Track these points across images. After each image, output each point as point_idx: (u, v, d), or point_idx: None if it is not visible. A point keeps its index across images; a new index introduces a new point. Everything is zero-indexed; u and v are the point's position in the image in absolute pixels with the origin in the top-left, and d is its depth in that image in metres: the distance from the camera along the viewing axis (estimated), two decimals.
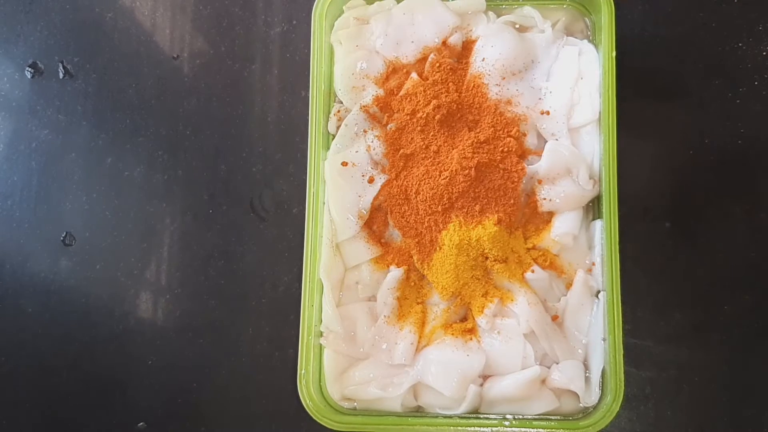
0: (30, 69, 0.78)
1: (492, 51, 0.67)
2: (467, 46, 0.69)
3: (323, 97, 0.67)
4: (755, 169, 0.71)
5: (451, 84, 0.66)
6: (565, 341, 0.64)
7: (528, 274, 0.64)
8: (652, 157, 0.72)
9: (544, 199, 0.65)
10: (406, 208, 0.66)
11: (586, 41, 0.68)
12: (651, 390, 0.69)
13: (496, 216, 0.64)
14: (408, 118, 0.66)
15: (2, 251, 0.76)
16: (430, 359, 0.63)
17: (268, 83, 0.76)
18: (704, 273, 0.70)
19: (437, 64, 0.67)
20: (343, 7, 0.69)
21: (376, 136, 0.67)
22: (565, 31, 0.69)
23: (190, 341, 0.73)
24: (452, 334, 0.64)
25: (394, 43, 0.68)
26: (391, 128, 0.67)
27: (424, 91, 0.66)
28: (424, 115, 0.65)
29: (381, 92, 0.67)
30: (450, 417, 0.63)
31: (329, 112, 0.68)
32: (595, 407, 0.62)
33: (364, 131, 0.67)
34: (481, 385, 0.64)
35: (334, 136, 0.68)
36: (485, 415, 0.63)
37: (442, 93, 0.66)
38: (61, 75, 0.78)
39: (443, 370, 0.63)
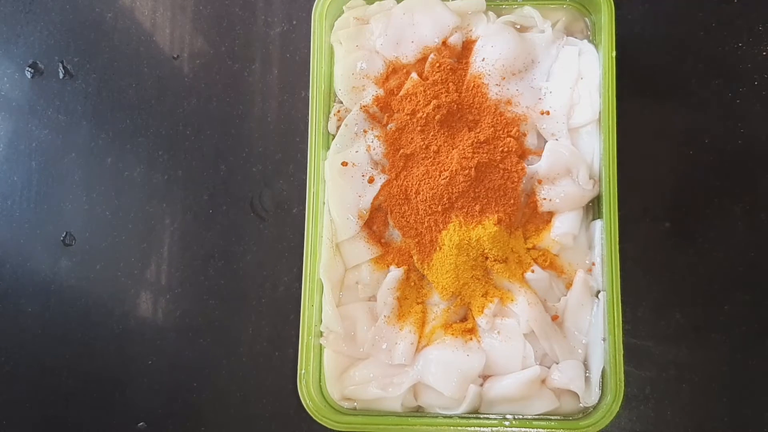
0: (30, 69, 0.78)
1: (492, 51, 0.67)
2: (467, 46, 0.69)
3: (323, 97, 0.67)
4: (755, 169, 0.71)
5: (451, 84, 0.66)
6: (565, 341, 0.64)
7: (528, 274, 0.64)
8: (652, 157, 0.72)
9: (544, 199, 0.65)
10: (406, 208, 0.66)
11: (586, 41, 0.68)
12: (651, 390, 0.69)
13: (496, 216, 0.64)
14: (408, 118, 0.66)
15: (2, 251, 0.76)
16: (430, 359, 0.63)
17: (268, 83, 0.76)
18: (704, 273, 0.70)
19: (437, 64, 0.67)
20: (343, 7, 0.69)
21: (376, 136, 0.67)
22: (565, 31, 0.69)
23: (190, 341, 0.73)
24: (452, 334, 0.64)
25: (394, 43, 0.68)
26: (391, 128, 0.67)
27: (424, 91, 0.66)
28: (424, 115, 0.65)
29: (381, 92, 0.67)
30: (450, 417, 0.63)
31: (329, 112, 0.68)
32: (595, 407, 0.62)
33: (364, 131, 0.67)
34: (481, 385, 0.64)
35: (334, 136, 0.68)
36: (485, 415, 0.63)
37: (442, 93, 0.66)
38: (61, 75, 0.78)
39: (443, 370, 0.63)
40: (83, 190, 0.76)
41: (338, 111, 0.68)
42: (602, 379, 0.63)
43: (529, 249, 0.65)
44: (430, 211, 0.64)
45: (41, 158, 0.77)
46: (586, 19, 0.69)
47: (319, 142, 0.66)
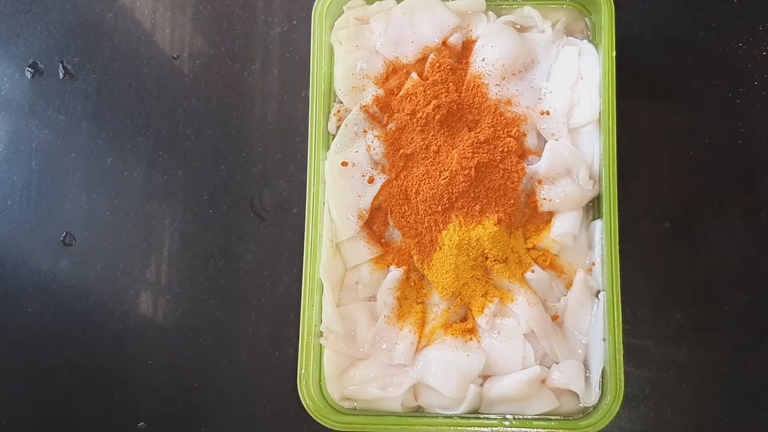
0: (30, 69, 0.78)
1: (492, 51, 0.67)
2: (467, 46, 0.69)
3: (323, 97, 0.67)
4: (755, 169, 0.71)
5: (451, 84, 0.66)
6: (565, 341, 0.64)
7: (528, 274, 0.64)
8: (652, 157, 0.72)
9: (544, 199, 0.65)
10: (406, 208, 0.66)
11: (586, 41, 0.68)
12: (651, 390, 0.69)
13: (496, 216, 0.64)
14: (408, 118, 0.66)
15: (2, 251, 0.76)
16: (430, 359, 0.63)
17: (268, 83, 0.76)
18: (704, 273, 0.70)
19: (437, 64, 0.67)
20: (343, 7, 0.69)
21: (376, 136, 0.67)
22: (565, 31, 0.69)
23: (190, 341, 0.73)
24: (452, 334, 0.64)
25: (394, 43, 0.68)
26: (391, 128, 0.67)
27: (424, 91, 0.66)
28: (424, 115, 0.65)
29: (381, 92, 0.67)
30: (450, 417, 0.63)
31: (329, 112, 0.68)
32: (595, 407, 0.62)
33: (364, 131, 0.67)
34: (481, 385, 0.64)
35: (334, 136, 0.68)
36: (485, 415, 0.63)
37: (442, 93, 0.66)
38: (61, 75, 0.78)
39: (443, 370, 0.63)
40: (83, 190, 0.76)
41: (338, 111, 0.68)
42: (602, 379, 0.63)
43: (529, 249, 0.65)
44: (430, 211, 0.64)
45: (41, 158, 0.77)
46: (586, 19, 0.69)
47: (319, 142, 0.66)
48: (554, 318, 0.64)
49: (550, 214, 0.66)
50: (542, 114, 0.67)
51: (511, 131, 0.66)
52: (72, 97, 0.77)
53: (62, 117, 0.77)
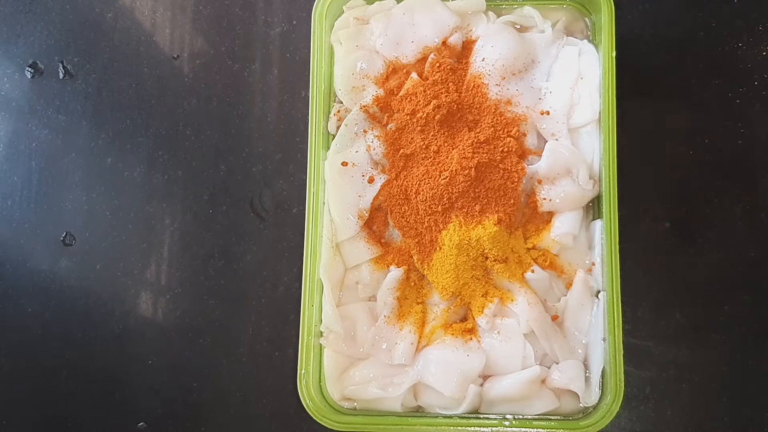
0: (30, 69, 0.78)
1: (492, 51, 0.67)
2: (467, 46, 0.69)
3: (323, 97, 0.67)
4: (755, 169, 0.71)
5: (451, 84, 0.66)
6: (565, 341, 0.64)
7: (528, 274, 0.64)
8: (652, 157, 0.72)
9: (544, 199, 0.65)
10: (406, 208, 0.66)
11: (586, 41, 0.68)
12: (651, 390, 0.69)
13: (496, 216, 0.64)
14: (408, 118, 0.66)
15: (2, 251, 0.76)
16: (430, 359, 0.63)
17: (268, 83, 0.76)
18: (704, 273, 0.70)
19: (437, 64, 0.67)
20: (343, 7, 0.69)
21: (376, 136, 0.67)
22: (565, 31, 0.69)
23: (190, 341, 0.73)
24: (452, 334, 0.64)
25: (394, 43, 0.68)
26: (391, 128, 0.67)
27: (424, 91, 0.66)
28: (424, 115, 0.65)
29: (381, 92, 0.67)
30: (450, 417, 0.63)
31: (329, 112, 0.68)
32: (595, 407, 0.62)
33: (364, 131, 0.67)
34: (481, 385, 0.64)
35: (334, 136, 0.68)
36: (485, 415, 0.63)
37: (442, 93, 0.66)
38: (61, 75, 0.78)
39: (443, 370, 0.63)
40: (83, 190, 0.76)
41: (338, 111, 0.68)
42: (602, 379, 0.63)
43: (529, 249, 0.65)
44: (430, 211, 0.64)
45: (41, 158, 0.77)
46: (586, 19, 0.69)
47: (319, 142, 0.66)
48: (554, 318, 0.64)
49: (550, 214, 0.66)
50: (542, 114, 0.67)
51: (511, 131, 0.66)
52: (72, 97, 0.77)
53: (62, 117, 0.77)
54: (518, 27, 0.69)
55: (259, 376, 0.72)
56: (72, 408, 0.73)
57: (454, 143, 0.65)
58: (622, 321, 0.61)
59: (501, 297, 0.64)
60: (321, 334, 0.65)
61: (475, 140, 0.65)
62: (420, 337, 0.65)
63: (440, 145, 0.65)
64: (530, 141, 0.67)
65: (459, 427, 0.62)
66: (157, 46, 0.78)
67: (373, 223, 0.67)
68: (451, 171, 0.63)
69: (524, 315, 0.63)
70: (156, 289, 0.74)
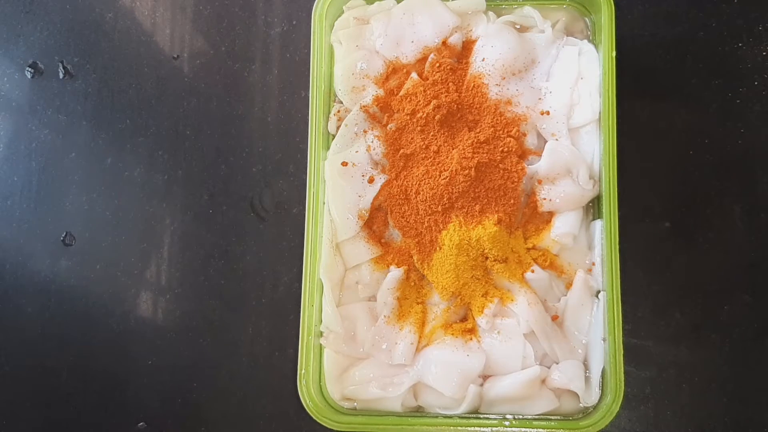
0: (30, 69, 0.78)
1: (492, 51, 0.67)
2: (467, 46, 0.69)
3: (323, 97, 0.67)
4: (755, 169, 0.71)
5: (451, 84, 0.66)
6: (565, 341, 0.64)
7: (528, 274, 0.64)
8: (652, 157, 0.72)
9: (544, 199, 0.65)
10: (406, 208, 0.66)
11: (586, 41, 0.68)
12: (651, 390, 0.69)
13: (496, 216, 0.64)
14: (408, 118, 0.66)
15: (2, 251, 0.76)
16: (430, 359, 0.63)
17: (268, 83, 0.76)
18: (704, 273, 0.70)
19: (437, 64, 0.67)
20: (343, 7, 0.70)
21: (376, 136, 0.67)
22: (565, 31, 0.69)
23: (190, 341, 0.73)
24: (452, 334, 0.64)
25: (394, 43, 0.68)
26: (391, 128, 0.67)
27: (424, 91, 0.66)
28: (424, 115, 0.65)
29: (381, 92, 0.67)
30: (450, 417, 0.63)
31: (329, 112, 0.68)
32: (595, 407, 0.62)
33: (364, 131, 0.67)
34: (481, 385, 0.64)
35: (334, 136, 0.68)
36: (485, 415, 0.63)
37: (442, 93, 0.66)
38: (61, 75, 0.78)
39: (443, 370, 0.63)
40: (83, 190, 0.76)
41: (338, 111, 0.68)
42: (602, 379, 0.63)
43: (529, 249, 0.65)
44: (430, 211, 0.64)
45: (41, 158, 0.77)
46: (586, 19, 0.69)
47: (319, 142, 0.66)
48: (554, 318, 0.64)
49: (550, 214, 0.66)
50: (542, 114, 0.67)
51: (511, 131, 0.66)
52: (72, 97, 0.77)
53: (62, 117, 0.77)
54: (518, 27, 0.69)
55: (259, 376, 0.72)
56: (72, 408, 0.73)
57: (454, 143, 0.66)
58: (622, 321, 0.62)
59: (501, 297, 0.64)
60: (321, 334, 0.65)
61: (475, 140, 0.65)
62: (420, 337, 0.65)
63: (440, 145, 0.65)
64: (530, 141, 0.67)
65: (459, 427, 0.62)
66: (157, 46, 0.78)
67: (373, 223, 0.67)
68: (451, 171, 0.63)
69: (524, 315, 0.63)
70: (156, 289, 0.74)
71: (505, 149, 0.65)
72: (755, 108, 0.72)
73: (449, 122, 0.66)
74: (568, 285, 0.65)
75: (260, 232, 0.74)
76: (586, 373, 0.63)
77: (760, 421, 0.68)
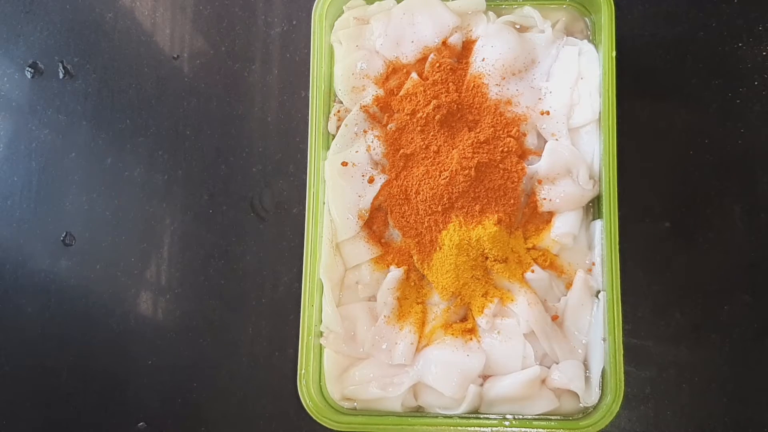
0: (30, 69, 0.78)
1: (492, 51, 0.67)
2: (467, 46, 0.69)
3: (323, 97, 0.67)
4: (755, 169, 0.71)
5: (451, 84, 0.66)
6: (565, 341, 0.64)
7: (528, 274, 0.64)
8: (652, 157, 0.72)
9: (544, 199, 0.65)
10: (406, 208, 0.66)
11: (586, 41, 0.68)
12: (651, 390, 0.69)
13: (496, 216, 0.64)
14: (408, 118, 0.66)
15: (2, 251, 0.76)
16: (430, 359, 0.63)
17: (268, 83, 0.76)
18: (704, 273, 0.70)
19: (437, 64, 0.67)
20: (343, 7, 0.70)
21: (376, 136, 0.67)
22: (565, 31, 0.69)
23: (190, 341, 0.73)
24: (452, 334, 0.64)
25: (394, 43, 0.68)
26: (391, 128, 0.67)
27: (424, 91, 0.66)
28: (424, 115, 0.65)
29: (381, 92, 0.67)
30: (450, 417, 0.63)
31: (329, 112, 0.68)
32: (595, 407, 0.63)
33: (364, 131, 0.67)
34: (481, 385, 0.64)
35: (334, 136, 0.68)
36: (485, 415, 0.63)
37: (442, 93, 0.66)
38: (61, 75, 0.78)
39: (443, 370, 0.63)
40: (83, 190, 0.76)
41: (338, 111, 0.68)
42: (602, 379, 0.63)
43: (529, 249, 0.65)
44: (430, 211, 0.64)
45: (41, 158, 0.77)
46: (586, 19, 0.69)
47: (319, 142, 0.66)
48: (554, 318, 0.64)
49: (550, 214, 0.66)
50: (542, 114, 0.67)
51: (511, 131, 0.66)
52: (72, 97, 0.77)
53: (62, 117, 0.77)
54: (518, 27, 0.69)
55: (259, 376, 0.72)
56: (72, 408, 0.73)
57: (454, 143, 0.66)
58: (622, 321, 0.62)
59: (501, 297, 0.64)
60: (321, 334, 0.65)
61: (475, 140, 0.65)
62: (420, 337, 0.65)
63: (440, 145, 0.65)
64: (530, 141, 0.67)
65: (459, 427, 0.62)
66: (157, 46, 0.78)
67: (373, 223, 0.67)
68: (451, 171, 0.63)
69: (524, 315, 0.63)
70: (156, 289, 0.74)
71: (505, 149, 0.65)
72: (755, 108, 0.72)
73: (449, 122, 0.66)
74: (568, 285, 0.65)
75: (260, 232, 0.74)
76: (586, 373, 0.64)
77: (760, 421, 0.68)
